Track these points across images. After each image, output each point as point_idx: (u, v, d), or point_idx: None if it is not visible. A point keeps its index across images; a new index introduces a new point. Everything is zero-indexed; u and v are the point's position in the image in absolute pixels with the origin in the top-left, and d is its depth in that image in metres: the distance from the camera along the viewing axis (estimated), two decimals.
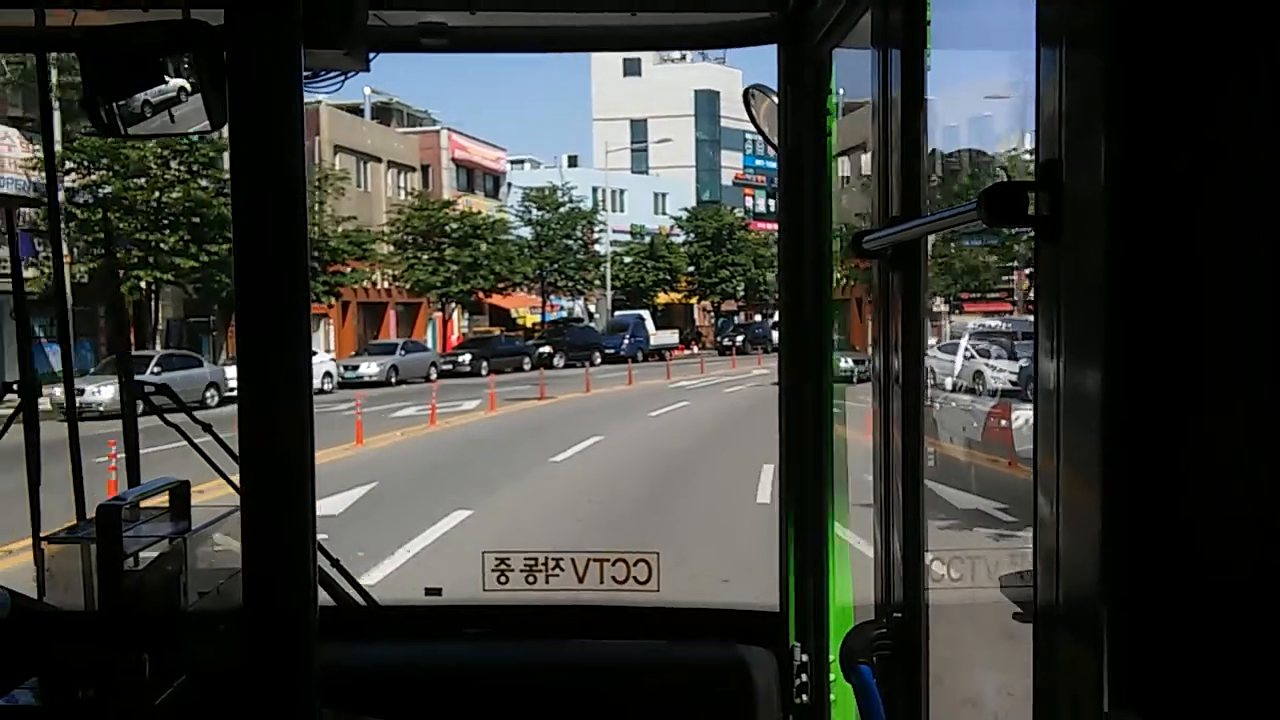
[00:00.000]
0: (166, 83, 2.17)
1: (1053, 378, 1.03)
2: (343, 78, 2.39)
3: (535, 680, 2.96)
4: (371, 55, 2.29)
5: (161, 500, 2.56)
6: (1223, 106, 0.89)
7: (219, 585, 2.48)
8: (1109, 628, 0.93)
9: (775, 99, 2.87)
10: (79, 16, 2.51)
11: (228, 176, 2.82)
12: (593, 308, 67.34)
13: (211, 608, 2.41)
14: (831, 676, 2.70)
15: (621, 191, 74.61)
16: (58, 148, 27.55)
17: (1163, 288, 0.91)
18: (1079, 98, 0.99)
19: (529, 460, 19.79)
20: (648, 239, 67.57)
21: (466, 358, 47.37)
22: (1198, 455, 0.91)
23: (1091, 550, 0.96)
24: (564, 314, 64.87)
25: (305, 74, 2.13)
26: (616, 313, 63.66)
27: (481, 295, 55.30)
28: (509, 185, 66.88)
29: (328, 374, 37.15)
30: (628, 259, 67.05)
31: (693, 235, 70.66)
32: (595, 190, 66.68)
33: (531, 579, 3.12)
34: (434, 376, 43.88)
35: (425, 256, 51.55)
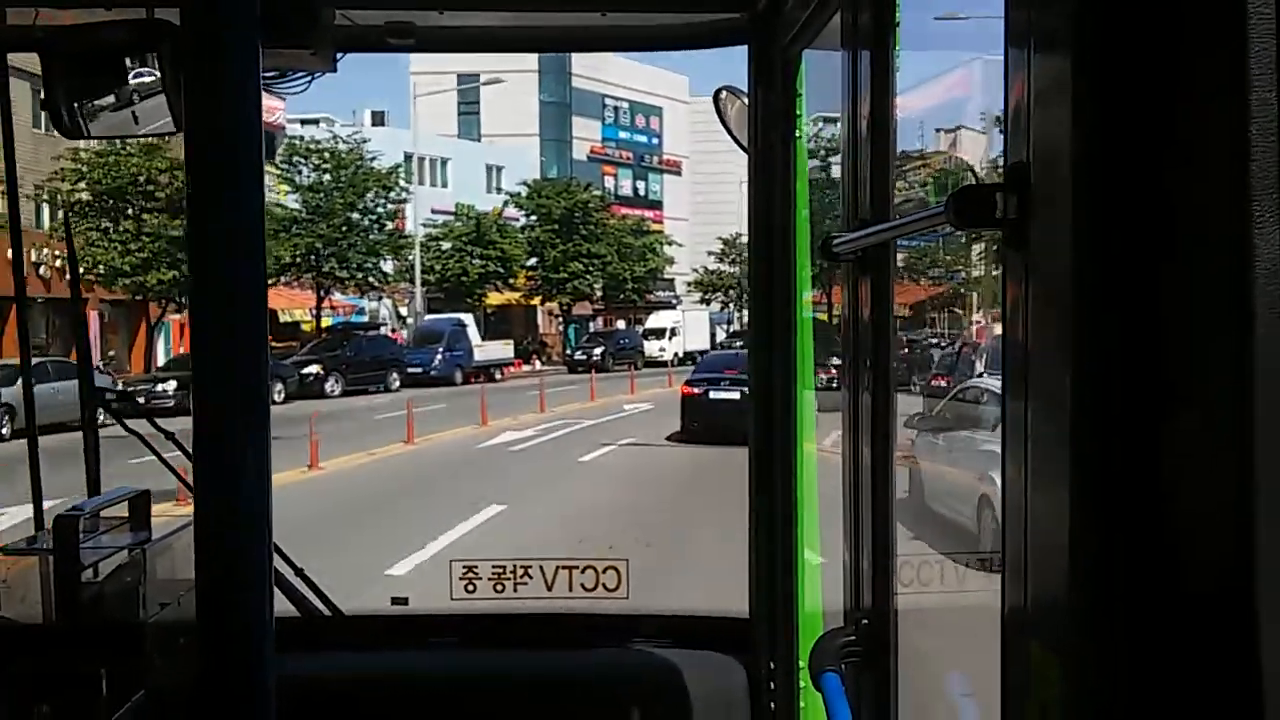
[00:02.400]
0: (129, 82, 2.14)
1: (1020, 381, 1.05)
2: (309, 78, 2.39)
3: (502, 690, 2.95)
4: (338, 55, 2.33)
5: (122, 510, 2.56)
6: (1191, 108, 0.89)
7: (180, 596, 2.44)
8: (1076, 636, 0.95)
9: (745, 100, 2.86)
10: (40, 15, 2.47)
11: None
12: (404, 310, 50.21)
13: (171, 619, 2.38)
14: (801, 684, 2.61)
15: (444, 161, 57.70)
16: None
17: (1131, 291, 0.91)
18: (1047, 100, 1.00)
19: None
20: (474, 220, 50.64)
21: (170, 385, 29.71)
22: (1167, 461, 0.90)
23: (1060, 557, 0.96)
24: (362, 317, 47.76)
25: (271, 74, 2.29)
26: (427, 317, 46.83)
27: None
28: None
29: None
30: (445, 245, 49.99)
31: (535, 217, 54.19)
32: (409, 158, 49.64)
33: (499, 587, 3.07)
34: (106, 419, 26.54)
35: (115, 227, 33.68)
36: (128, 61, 2.08)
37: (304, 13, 1.67)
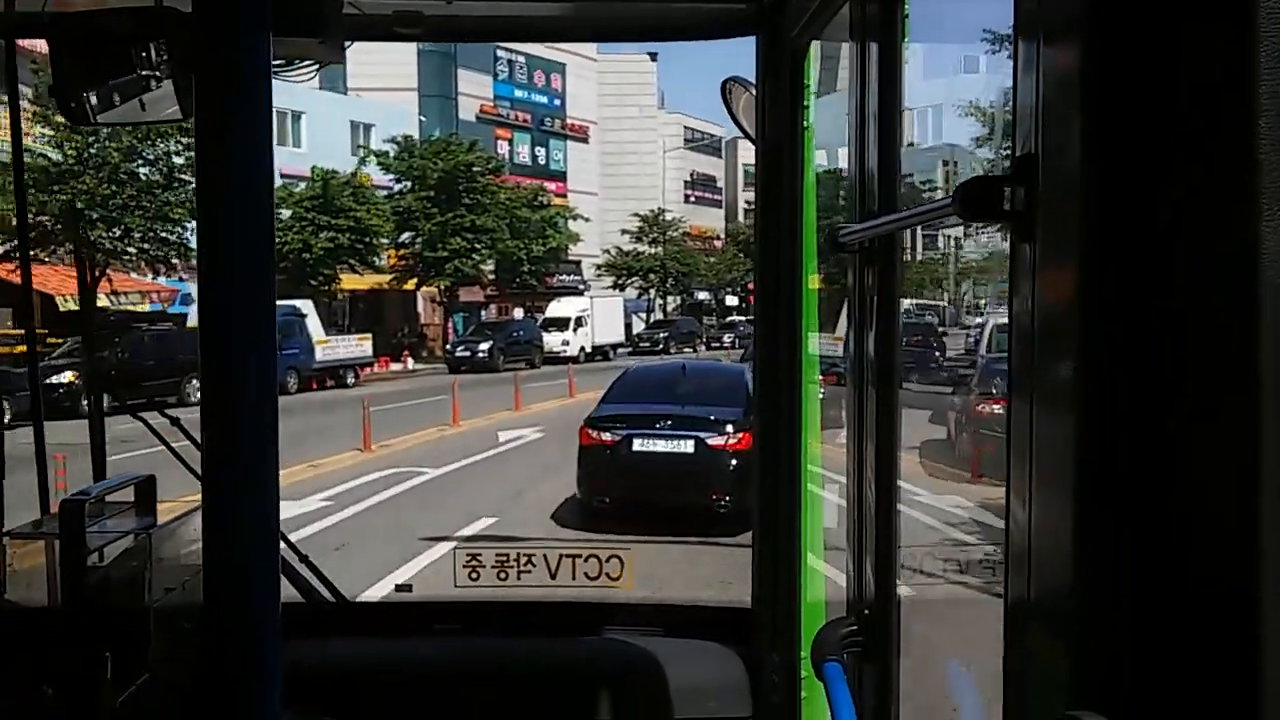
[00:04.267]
0: (137, 70, 2.20)
1: (1026, 374, 1.05)
2: (316, 67, 2.40)
3: (504, 678, 2.97)
4: (346, 44, 2.37)
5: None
6: (1200, 102, 0.89)
7: (184, 581, 2.46)
8: (1078, 627, 0.96)
9: (753, 92, 2.86)
10: (49, 2, 2.49)
11: None
12: None
13: (176, 604, 2.40)
14: (803, 674, 2.60)
15: (296, 115, 46.68)
16: None
17: (1138, 286, 0.91)
18: (1056, 92, 1.00)
19: None
20: (320, 183, 39.83)
21: None
22: (1171, 455, 0.91)
23: (1063, 550, 0.97)
24: (187, 307, 36.92)
25: (278, 63, 2.20)
26: None
27: None
28: None
29: None
30: (284, 212, 39.24)
31: (408, 182, 43.72)
32: None
33: (503, 575, 3.10)
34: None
35: None
36: (135, 49, 2.12)
37: (314, 2, 1.69)
